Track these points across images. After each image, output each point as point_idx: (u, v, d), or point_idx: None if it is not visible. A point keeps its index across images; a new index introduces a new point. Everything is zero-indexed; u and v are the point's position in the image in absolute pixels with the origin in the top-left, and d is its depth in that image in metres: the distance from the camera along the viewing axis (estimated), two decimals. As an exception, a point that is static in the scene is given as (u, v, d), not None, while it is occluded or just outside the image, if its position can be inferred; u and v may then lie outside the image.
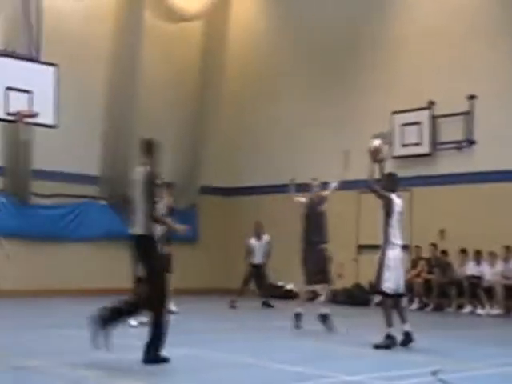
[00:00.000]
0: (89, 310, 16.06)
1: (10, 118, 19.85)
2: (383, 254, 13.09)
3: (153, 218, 10.49)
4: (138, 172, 10.76)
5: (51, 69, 20.67)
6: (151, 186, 10.51)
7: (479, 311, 21.39)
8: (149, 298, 10.51)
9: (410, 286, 22.17)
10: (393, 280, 12.94)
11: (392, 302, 13.15)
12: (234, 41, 28.88)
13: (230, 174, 28.67)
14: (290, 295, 24.61)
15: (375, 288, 13.74)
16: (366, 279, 23.45)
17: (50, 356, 10.99)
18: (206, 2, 28.39)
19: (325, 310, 15.50)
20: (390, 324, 12.81)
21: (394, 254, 13.09)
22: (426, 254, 22.88)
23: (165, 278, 10.95)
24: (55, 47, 21.79)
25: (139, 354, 10.29)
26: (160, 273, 10.73)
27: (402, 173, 22.70)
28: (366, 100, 25.11)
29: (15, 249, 21.95)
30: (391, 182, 13.72)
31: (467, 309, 21.66)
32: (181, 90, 27.70)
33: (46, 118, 20.25)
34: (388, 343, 12.64)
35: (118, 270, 20.05)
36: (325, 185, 16.63)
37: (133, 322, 15.12)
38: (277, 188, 26.02)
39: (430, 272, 22.49)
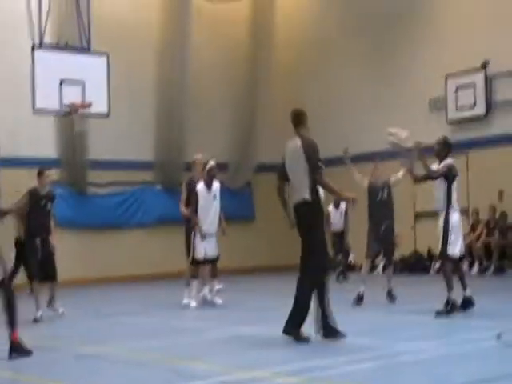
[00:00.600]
0: (150, 296, 16.32)
1: (64, 109, 20.20)
2: (447, 219, 13.09)
3: (320, 185, 10.51)
4: (295, 143, 10.85)
5: (102, 58, 20.90)
6: (315, 153, 10.64)
7: (542, 273, 21.35)
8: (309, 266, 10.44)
9: (469, 250, 22.21)
10: (458, 244, 13.13)
11: (453, 267, 13.20)
12: (281, 18, 28.90)
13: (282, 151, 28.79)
14: (350, 267, 24.85)
15: (441, 253, 13.37)
16: (423, 247, 23.61)
17: (117, 342, 11.22)
18: (252, -21, 28.58)
19: (389, 285, 15.66)
20: (450, 287, 12.86)
21: (457, 218, 13.21)
22: (484, 216, 22.76)
23: (326, 251, 10.79)
24: (105, 37, 22.00)
25: (201, 336, 10.54)
26: (323, 244, 10.60)
27: (457, 137, 22.90)
28: (418, 64, 24.96)
29: (73, 238, 22.39)
30: (447, 147, 13.62)
31: (530, 271, 21.62)
32: (231, 68, 27.82)
33: (99, 107, 20.49)
34: (450, 309, 12.65)
35: (174, 253, 20.29)
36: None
37: (192, 303, 15.42)
38: (333, 160, 26.16)
39: (489, 234, 22.36)
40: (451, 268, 13.22)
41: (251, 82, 28.22)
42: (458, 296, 12.76)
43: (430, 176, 13.21)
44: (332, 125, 27.26)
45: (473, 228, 22.58)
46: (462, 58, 23.42)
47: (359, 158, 24.70)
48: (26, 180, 22.80)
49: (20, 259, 17.76)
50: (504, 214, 22.29)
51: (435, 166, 13.17)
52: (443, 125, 24.08)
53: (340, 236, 21.96)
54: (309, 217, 10.37)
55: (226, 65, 27.66)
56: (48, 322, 14.83)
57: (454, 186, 13.16)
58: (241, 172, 27.66)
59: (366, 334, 10.67)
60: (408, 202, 23.94)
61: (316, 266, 10.37)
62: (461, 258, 13.59)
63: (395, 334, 10.70)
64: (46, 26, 20.31)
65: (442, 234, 13.12)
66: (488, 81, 23.25)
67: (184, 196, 16.66)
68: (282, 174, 10.97)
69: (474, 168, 22.82)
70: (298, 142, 10.81)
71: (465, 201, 22.57)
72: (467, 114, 23.62)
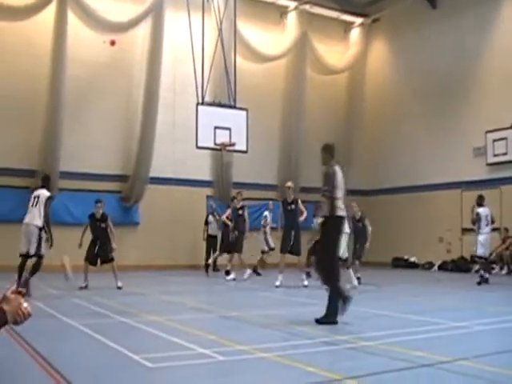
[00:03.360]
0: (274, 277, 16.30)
1: (217, 147, 20.61)
2: (477, 238, 17.51)
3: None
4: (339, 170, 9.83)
5: (243, 112, 21.24)
6: None
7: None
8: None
9: (500, 257, 21.97)
10: (483, 250, 17.41)
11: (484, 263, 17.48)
12: (369, 85, 29.05)
13: (369, 180, 28.71)
14: (413, 265, 24.88)
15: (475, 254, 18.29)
16: (468, 253, 23.23)
17: (249, 309, 11.26)
18: (349, 59, 28.63)
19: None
20: (484, 269, 17.38)
21: (482, 237, 17.38)
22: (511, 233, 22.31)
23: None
24: (246, 97, 22.30)
25: (306, 308, 10.57)
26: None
27: (493, 175, 22.81)
28: (465, 122, 24.62)
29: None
30: (479, 201, 17.70)
31: (543, 272, 21.29)
32: (333, 120, 27.87)
33: (240, 146, 20.83)
34: (484, 279, 17.08)
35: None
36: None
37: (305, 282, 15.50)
38: (400, 189, 26.11)
39: (515, 246, 22.07)
40: (482, 262, 17.75)
41: (347, 128, 28.34)
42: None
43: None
44: (401, 163, 27.22)
45: (503, 241, 22.17)
46: (497, 120, 23.15)
47: (416, 188, 24.93)
48: (191, 194, 23.56)
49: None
50: (526, 232, 21.94)
51: None
52: (483, 166, 23.70)
53: None
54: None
55: (329, 116, 27.85)
56: (205, 292, 15.16)
57: (480, 223, 17.46)
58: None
59: (420, 314, 10.57)
60: (457, 220, 23.65)
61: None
62: (486, 258, 17.84)
63: (442, 315, 10.50)
64: (206, 89, 20.79)
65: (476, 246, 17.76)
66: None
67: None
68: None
69: (505, 198, 22.43)
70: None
71: (498, 221, 22.20)
72: (501, 159, 23.19)
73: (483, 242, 17.38)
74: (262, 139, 24.86)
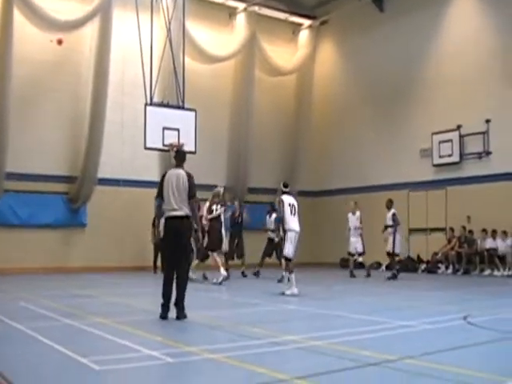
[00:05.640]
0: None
1: (165, 148, 20.51)
2: (395, 237, 19.24)
3: (193, 208, 10.08)
4: (180, 173, 10.12)
5: (192, 113, 21.23)
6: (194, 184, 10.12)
7: (495, 273, 21.23)
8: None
9: (446, 257, 22.32)
10: (399, 248, 19.55)
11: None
12: (317, 87, 29.24)
13: (317, 181, 28.89)
14: (361, 266, 24.99)
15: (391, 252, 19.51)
16: (414, 253, 23.51)
17: (197, 310, 10.92)
18: (298, 61, 28.75)
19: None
20: (394, 268, 19.19)
21: (399, 237, 19.52)
22: (457, 233, 22.53)
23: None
24: (194, 98, 22.30)
25: (255, 308, 10.51)
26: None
27: (439, 176, 23.19)
28: (412, 124, 25.00)
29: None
30: (389, 204, 19.56)
31: (487, 272, 21.44)
32: (281, 122, 28.06)
33: (189, 147, 20.68)
34: (394, 276, 18.83)
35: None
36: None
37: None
38: (350, 189, 26.33)
39: (460, 246, 22.21)
40: (395, 259, 19.51)
41: (295, 131, 28.46)
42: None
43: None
44: (349, 164, 27.46)
45: (449, 241, 22.50)
46: (444, 122, 23.54)
47: (365, 189, 25.25)
48: (140, 195, 23.29)
49: None
50: (471, 232, 22.18)
51: None
52: (429, 167, 24.07)
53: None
54: (188, 228, 9.98)
55: (277, 118, 28.00)
56: (152, 294, 14.91)
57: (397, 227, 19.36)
58: (286, 195, 27.83)
59: (370, 313, 10.66)
60: (404, 220, 23.90)
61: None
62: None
63: (390, 315, 10.62)
64: (154, 90, 20.69)
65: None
66: (461, 138, 23.20)
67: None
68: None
69: (451, 199, 22.83)
70: (183, 172, 10.16)
71: (443, 222, 22.77)
72: (446, 160, 23.58)
73: (398, 243, 19.38)
74: (210, 140, 24.79)
